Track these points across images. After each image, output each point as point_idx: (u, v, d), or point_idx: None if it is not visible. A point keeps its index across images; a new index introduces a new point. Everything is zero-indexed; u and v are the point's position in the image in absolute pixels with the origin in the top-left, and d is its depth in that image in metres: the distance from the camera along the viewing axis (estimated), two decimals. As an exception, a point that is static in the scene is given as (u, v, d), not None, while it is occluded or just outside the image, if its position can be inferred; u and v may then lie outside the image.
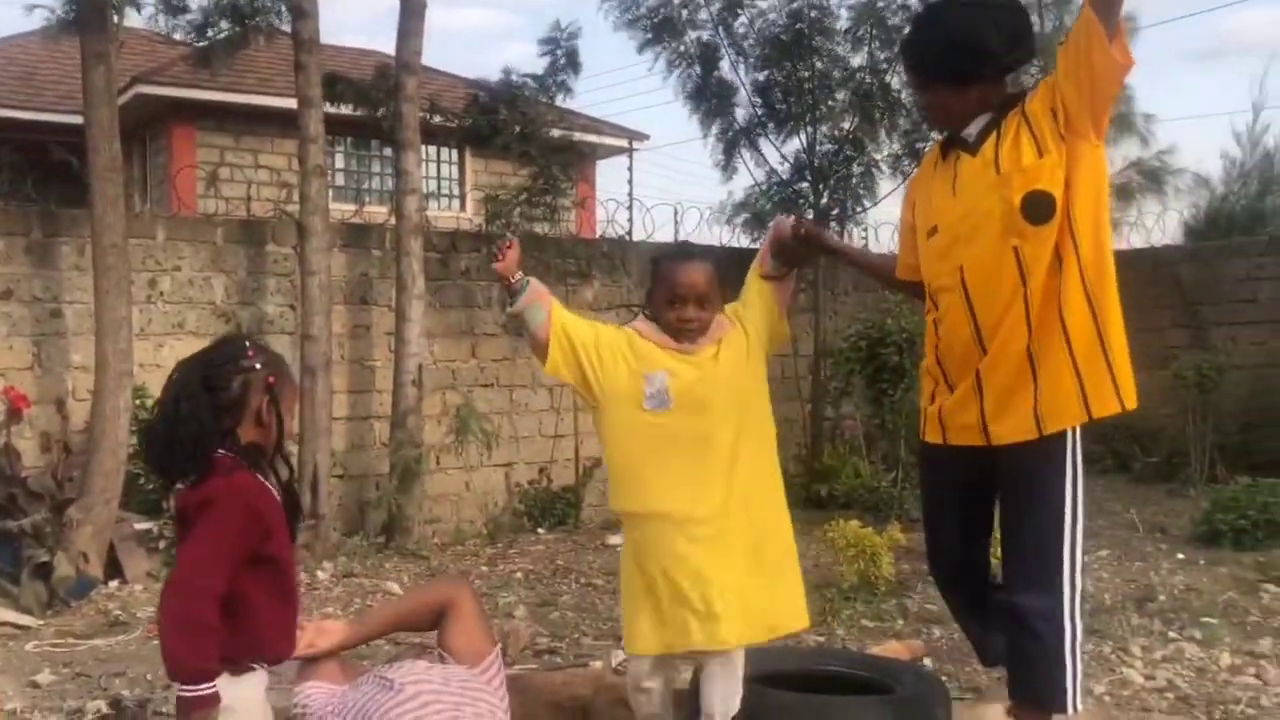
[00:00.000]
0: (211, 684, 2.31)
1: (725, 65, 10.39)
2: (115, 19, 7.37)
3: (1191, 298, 11.41)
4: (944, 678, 4.06)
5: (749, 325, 3.08)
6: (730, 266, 3.20)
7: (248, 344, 2.54)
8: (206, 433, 2.39)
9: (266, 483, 2.48)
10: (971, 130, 2.88)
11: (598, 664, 4.71)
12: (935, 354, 2.98)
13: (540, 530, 8.76)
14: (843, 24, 10.12)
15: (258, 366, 2.49)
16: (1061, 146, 2.70)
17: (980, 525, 3.02)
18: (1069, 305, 2.70)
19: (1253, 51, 47.66)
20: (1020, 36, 2.86)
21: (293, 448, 7.88)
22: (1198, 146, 30.91)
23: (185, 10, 8.84)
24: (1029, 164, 2.70)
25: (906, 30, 3.30)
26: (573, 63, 9.97)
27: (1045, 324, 2.71)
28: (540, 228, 9.54)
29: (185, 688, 2.28)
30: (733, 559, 2.88)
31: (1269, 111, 22.43)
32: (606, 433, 3.03)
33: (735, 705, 3.00)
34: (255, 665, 2.49)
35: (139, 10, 8.33)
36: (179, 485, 2.45)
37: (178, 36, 9.77)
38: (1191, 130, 36.98)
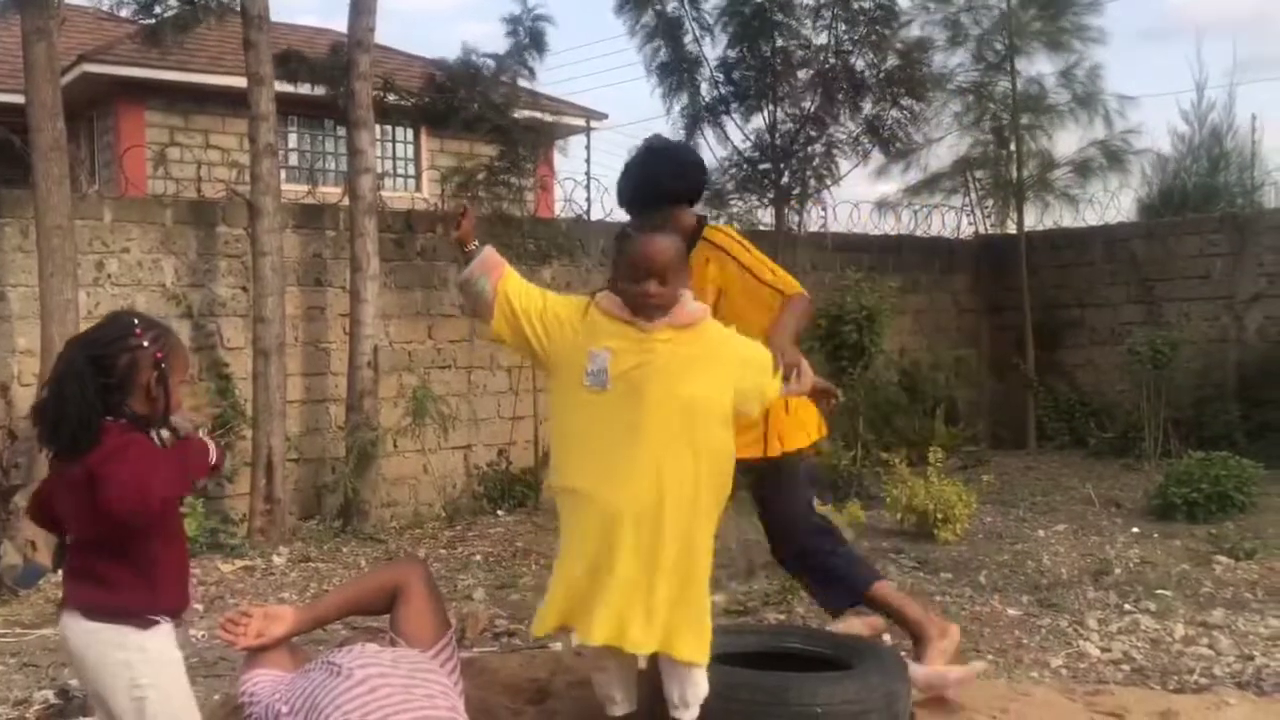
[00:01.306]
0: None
1: (690, 41, 10.40)
2: (57, -7, 7.19)
3: (1145, 274, 11.53)
4: (903, 653, 4.07)
5: (739, 379, 3.00)
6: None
7: (135, 321, 2.57)
8: (94, 411, 2.45)
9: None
10: None
11: (557, 646, 4.65)
12: None
13: (500, 512, 8.72)
14: (807, 0, 10.15)
15: (145, 344, 2.52)
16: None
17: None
18: None
19: (1190, 29, 48.21)
20: (686, 175, 3.77)
21: (247, 431, 7.79)
22: (1149, 125, 31.23)
23: (131, -14, 8.67)
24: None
25: None
26: (537, 44, 9.80)
27: None
28: (501, 207, 9.45)
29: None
30: (641, 560, 2.75)
31: (1212, 90, 22.55)
32: (550, 403, 3.04)
33: (696, 692, 2.86)
34: (159, 618, 2.53)
35: (83, -15, 8.17)
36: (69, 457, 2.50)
37: (124, 13, 9.58)
38: (1142, 108, 37.18)
